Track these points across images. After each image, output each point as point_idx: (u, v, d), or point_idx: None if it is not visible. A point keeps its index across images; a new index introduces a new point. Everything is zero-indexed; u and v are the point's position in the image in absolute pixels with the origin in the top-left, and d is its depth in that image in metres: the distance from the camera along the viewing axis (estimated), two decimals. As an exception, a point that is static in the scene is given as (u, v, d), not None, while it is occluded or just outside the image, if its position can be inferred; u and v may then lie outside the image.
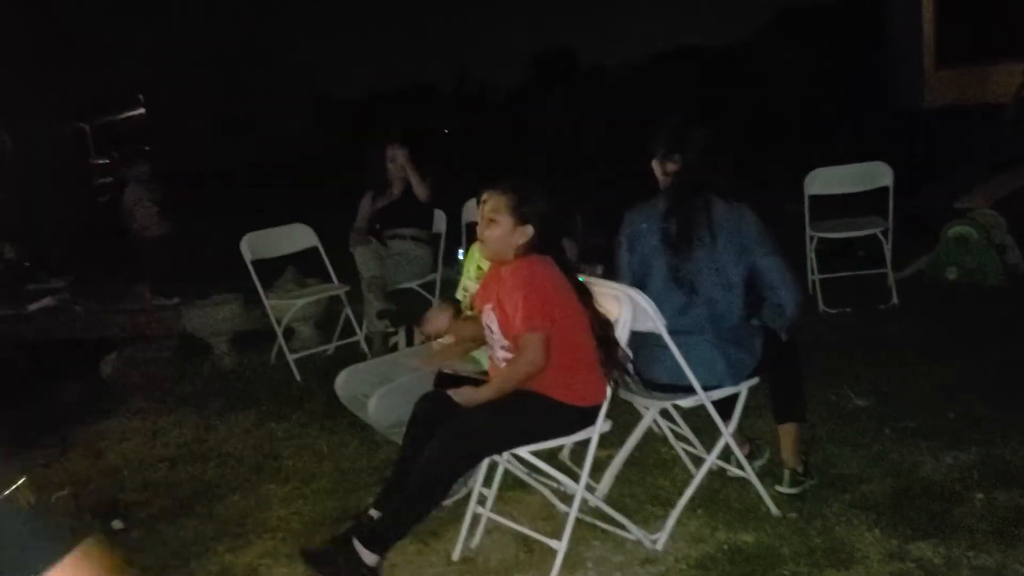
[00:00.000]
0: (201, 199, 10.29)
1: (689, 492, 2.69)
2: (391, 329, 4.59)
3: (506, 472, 2.75)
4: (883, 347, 4.13)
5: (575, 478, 2.58)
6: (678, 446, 3.06)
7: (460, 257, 4.50)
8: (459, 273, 3.39)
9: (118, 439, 3.93)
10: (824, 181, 4.94)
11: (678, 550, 2.58)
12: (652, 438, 3.18)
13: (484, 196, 2.53)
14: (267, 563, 2.72)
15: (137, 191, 7.05)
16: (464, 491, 2.84)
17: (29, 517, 1.01)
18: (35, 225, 8.39)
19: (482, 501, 2.69)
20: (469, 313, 3.04)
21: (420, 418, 2.56)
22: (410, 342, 4.40)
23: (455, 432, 2.36)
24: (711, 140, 2.74)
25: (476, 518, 2.68)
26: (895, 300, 4.82)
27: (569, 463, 3.04)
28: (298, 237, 4.83)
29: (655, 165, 2.84)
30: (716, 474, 2.94)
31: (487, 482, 2.70)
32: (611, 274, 2.90)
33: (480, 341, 2.74)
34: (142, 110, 15.12)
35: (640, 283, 2.73)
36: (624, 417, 2.99)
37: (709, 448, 2.81)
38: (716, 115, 2.90)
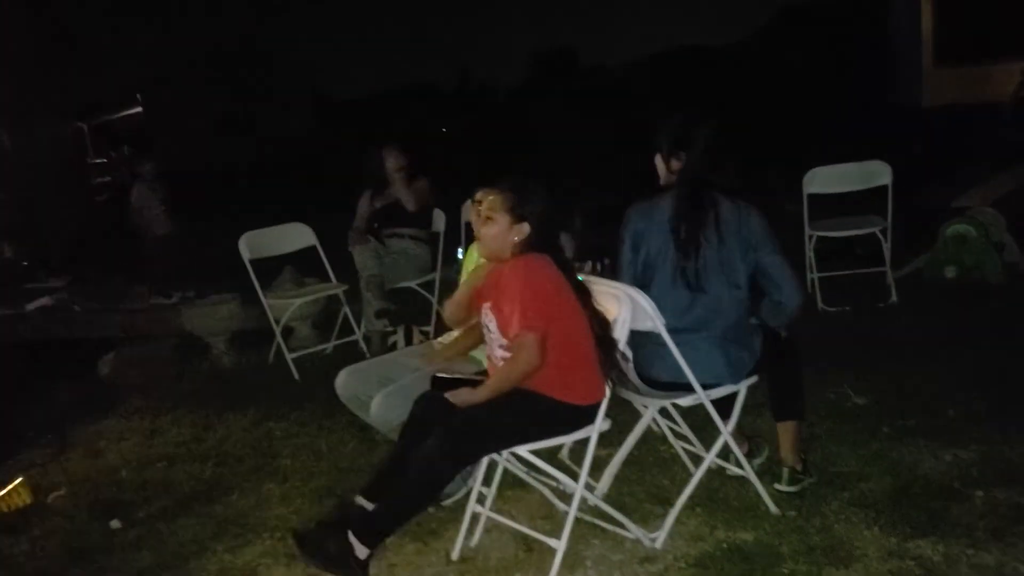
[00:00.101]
0: (200, 198, 10.28)
1: (688, 490, 2.69)
2: (390, 328, 4.59)
3: (505, 471, 2.75)
4: (882, 345, 4.13)
5: (574, 477, 2.58)
6: (677, 445, 3.06)
7: (459, 256, 4.50)
8: (458, 272, 3.38)
9: (116, 438, 3.92)
10: (823, 180, 4.94)
11: (677, 548, 2.58)
12: (651, 437, 3.18)
13: (479, 196, 2.53)
14: (266, 562, 2.72)
15: (144, 190, 7.07)
16: (463, 490, 2.84)
17: None
18: (33, 224, 8.38)
19: (481, 500, 2.69)
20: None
21: (418, 417, 2.56)
22: (409, 341, 4.41)
23: (454, 430, 2.35)
24: (716, 138, 2.74)
25: (475, 517, 2.68)
26: (894, 298, 4.82)
27: (568, 462, 3.04)
28: (296, 236, 4.83)
29: (658, 162, 2.84)
30: (715, 472, 2.94)
31: (486, 481, 2.70)
32: (612, 271, 2.90)
33: (480, 341, 2.74)
34: (139, 109, 15.10)
35: (644, 281, 2.73)
36: (623, 416, 2.99)
37: (708, 447, 2.81)
38: (716, 114, 2.89)
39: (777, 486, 2.80)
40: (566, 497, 2.70)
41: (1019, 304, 4.59)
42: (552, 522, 2.76)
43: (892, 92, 10.91)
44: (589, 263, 3.26)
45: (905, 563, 2.40)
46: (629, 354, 2.69)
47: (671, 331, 2.57)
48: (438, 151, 10.70)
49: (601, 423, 2.50)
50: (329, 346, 4.87)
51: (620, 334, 2.49)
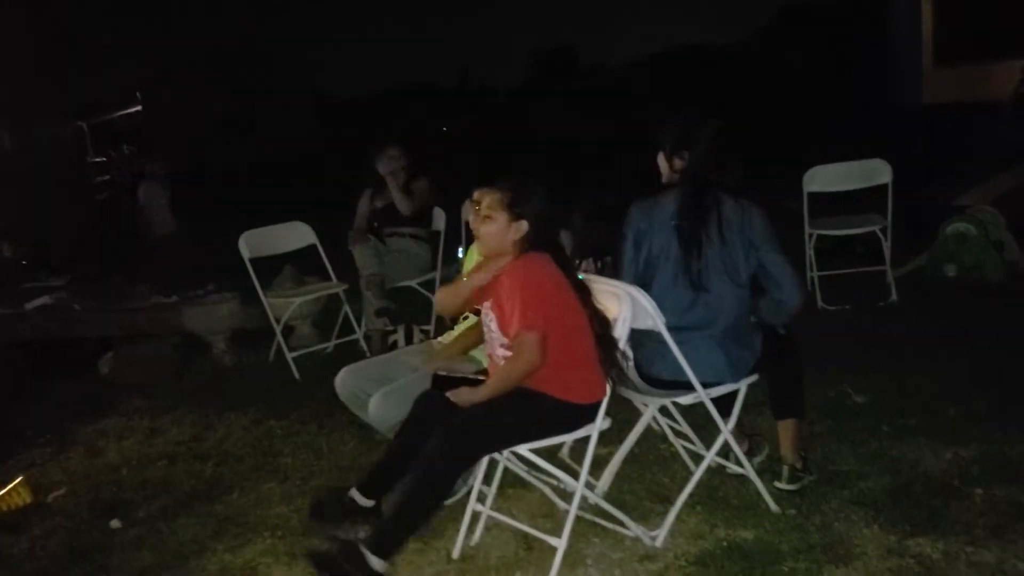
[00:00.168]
0: (200, 197, 10.28)
1: (688, 489, 2.69)
2: (390, 327, 4.59)
3: (506, 470, 2.75)
4: (882, 344, 4.14)
5: (575, 475, 2.58)
6: (677, 443, 3.06)
7: (460, 255, 4.50)
8: (459, 271, 3.38)
9: (116, 438, 3.92)
10: (823, 178, 4.94)
11: (677, 547, 2.58)
12: (651, 435, 3.18)
13: (476, 196, 2.53)
14: (267, 561, 2.72)
15: (151, 190, 7.09)
16: (464, 489, 2.84)
17: None
18: (33, 224, 8.37)
19: (482, 499, 2.69)
20: (469, 314, 3.04)
21: (418, 416, 2.56)
22: (409, 340, 4.40)
23: (454, 431, 2.35)
24: (719, 137, 2.73)
25: (476, 516, 2.68)
26: (894, 297, 4.82)
27: (569, 461, 3.04)
28: (297, 235, 4.83)
29: (661, 160, 2.84)
30: (715, 471, 2.94)
31: (487, 480, 2.70)
32: (614, 269, 2.90)
33: (480, 340, 2.74)
34: (139, 108, 15.10)
35: (645, 280, 2.73)
36: (623, 414, 2.99)
37: (708, 445, 2.81)
38: (717, 113, 2.89)
39: (777, 484, 2.80)
40: (567, 495, 2.70)
41: (1019, 303, 4.59)
42: (553, 520, 2.76)
43: (892, 91, 10.91)
44: (589, 261, 3.26)
45: (905, 561, 2.40)
46: (629, 353, 2.70)
47: (672, 329, 2.57)
48: (438, 150, 10.69)
49: (601, 422, 2.50)
50: (330, 345, 4.87)
51: (620, 333, 2.49)
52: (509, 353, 2.47)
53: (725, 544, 2.55)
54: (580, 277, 2.56)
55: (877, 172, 4.84)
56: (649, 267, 2.74)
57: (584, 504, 2.64)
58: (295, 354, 4.58)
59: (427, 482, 2.35)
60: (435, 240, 4.91)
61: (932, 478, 2.83)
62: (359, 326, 4.77)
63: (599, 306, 2.51)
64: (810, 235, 4.95)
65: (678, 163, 2.78)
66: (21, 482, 3.35)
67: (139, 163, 11.88)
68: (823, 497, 2.76)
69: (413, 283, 4.77)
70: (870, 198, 4.94)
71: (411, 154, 4.82)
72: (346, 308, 4.82)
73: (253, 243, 4.60)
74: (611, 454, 2.97)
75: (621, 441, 2.96)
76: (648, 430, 3.05)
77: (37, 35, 9.35)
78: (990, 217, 5.20)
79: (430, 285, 4.80)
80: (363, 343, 4.74)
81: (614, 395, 2.57)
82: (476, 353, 2.94)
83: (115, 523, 3.07)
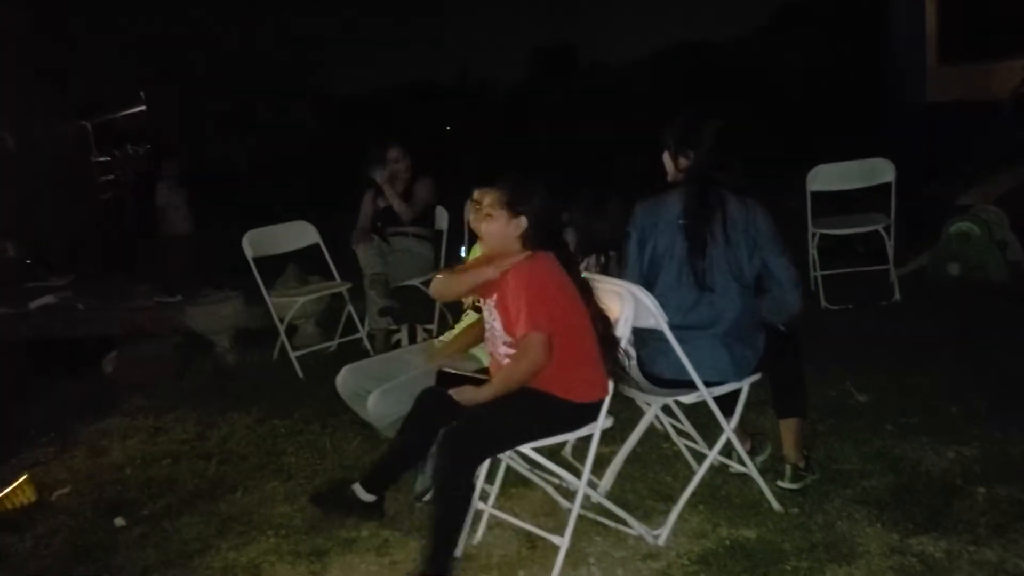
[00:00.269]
0: (202, 197, 10.28)
1: (691, 488, 2.70)
2: (394, 327, 4.59)
3: (508, 468, 2.75)
4: (884, 343, 4.14)
5: (577, 474, 2.58)
6: (680, 442, 3.06)
7: (463, 254, 4.50)
8: (461, 270, 3.38)
9: (120, 437, 3.93)
10: (826, 177, 4.94)
11: (680, 545, 2.59)
12: (654, 434, 3.19)
13: (476, 195, 2.54)
14: (270, 560, 2.72)
15: (168, 190, 7.13)
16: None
17: None
18: (36, 223, 8.39)
19: (484, 497, 2.70)
20: (471, 311, 3.04)
21: (420, 414, 2.57)
22: (412, 339, 4.42)
23: (458, 433, 2.36)
24: (724, 136, 2.74)
25: (479, 514, 2.68)
26: (897, 296, 4.82)
27: (571, 459, 3.05)
28: (300, 234, 4.84)
29: (666, 159, 2.84)
30: (718, 470, 2.95)
31: (489, 479, 2.71)
32: (617, 264, 2.90)
33: (481, 339, 2.74)
34: (143, 107, 15.10)
35: (650, 278, 2.73)
36: (626, 413, 3.00)
37: (711, 444, 2.82)
38: (718, 111, 2.90)
39: (780, 483, 2.80)
40: (569, 494, 2.71)
41: (1022, 302, 4.59)
42: (555, 519, 2.76)
43: (895, 89, 10.88)
44: (592, 258, 3.26)
45: (907, 559, 2.40)
46: (632, 352, 2.70)
47: (676, 328, 2.57)
48: (441, 150, 10.69)
49: (604, 420, 2.50)
50: (333, 344, 4.88)
51: (623, 332, 2.49)
52: (511, 351, 2.47)
53: (728, 543, 2.56)
54: (583, 276, 2.56)
55: (880, 171, 4.84)
56: (653, 266, 2.75)
57: (587, 503, 2.64)
58: (299, 353, 4.59)
59: (444, 492, 2.37)
60: (438, 239, 4.91)
61: (934, 477, 2.83)
62: (362, 325, 4.78)
63: (601, 305, 2.51)
64: (813, 234, 4.95)
65: (683, 162, 2.78)
66: (25, 481, 3.36)
67: (143, 163, 11.90)
68: (826, 496, 2.76)
69: (416, 282, 4.77)
70: (873, 197, 4.94)
71: (413, 154, 4.83)
72: (349, 307, 4.82)
73: (257, 242, 4.61)
74: (614, 453, 2.98)
75: (624, 440, 2.96)
76: (651, 429, 3.05)
77: (38, 34, 9.36)
78: (993, 216, 5.20)
79: (433, 284, 4.80)
80: (367, 342, 4.74)
81: (617, 394, 2.57)
82: (477, 351, 2.94)
83: (119, 521, 3.08)
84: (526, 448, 2.45)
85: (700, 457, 2.89)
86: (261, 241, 4.64)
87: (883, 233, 4.79)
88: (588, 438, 2.52)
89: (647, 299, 2.53)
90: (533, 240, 2.47)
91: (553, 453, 2.89)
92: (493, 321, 2.53)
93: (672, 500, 2.73)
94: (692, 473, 2.79)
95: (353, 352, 4.58)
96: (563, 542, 2.45)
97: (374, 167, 4.74)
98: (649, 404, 2.84)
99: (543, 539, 2.57)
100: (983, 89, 8.88)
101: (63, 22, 10.05)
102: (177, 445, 3.76)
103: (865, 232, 4.88)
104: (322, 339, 4.96)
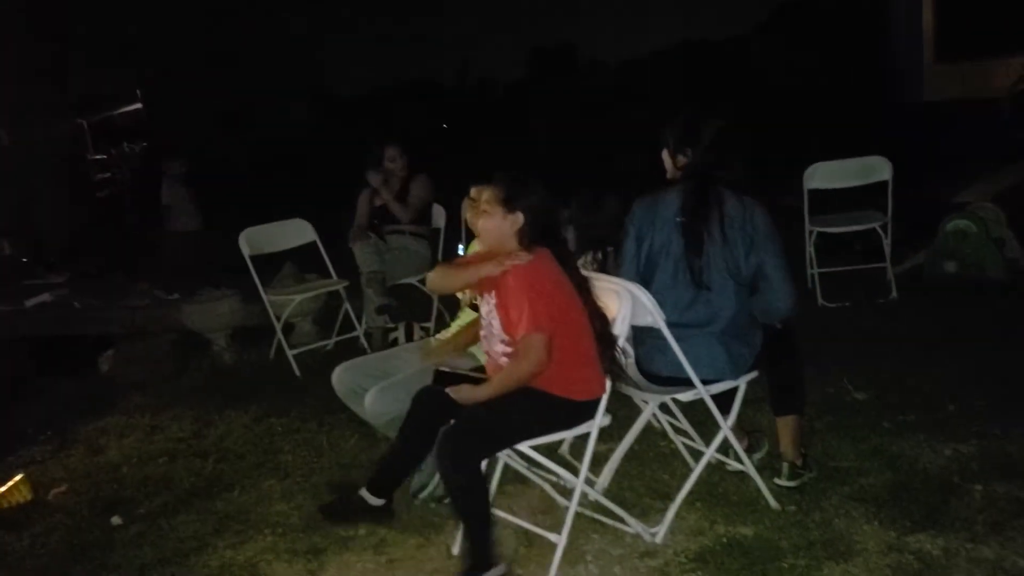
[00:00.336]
0: (201, 196, 10.26)
1: (688, 485, 2.70)
2: (391, 325, 4.59)
3: (506, 466, 2.75)
4: (882, 340, 4.14)
5: (574, 472, 2.59)
6: (677, 440, 3.06)
7: (460, 252, 4.49)
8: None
9: (117, 435, 3.92)
10: (823, 175, 4.94)
11: (677, 543, 2.59)
12: (651, 432, 3.19)
13: (474, 192, 2.55)
14: (267, 558, 2.72)
15: (174, 187, 7.12)
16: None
17: None
18: (33, 221, 8.38)
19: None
20: (468, 309, 3.04)
21: (418, 414, 2.56)
22: (410, 337, 4.41)
23: (456, 434, 2.36)
24: (723, 133, 2.74)
25: (476, 512, 2.67)
26: (894, 294, 4.82)
27: (569, 457, 3.05)
28: (297, 232, 4.83)
29: (665, 157, 2.84)
30: (715, 467, 2.95)
31: (487, 477, 2.70)
32: (615, 260, 2.90)
33: (478, 337, 2.74)
34: (139, 105, 15.07)
35: (646, 276, 2.73)
36: (623, 411, 3.00)
37: (708, 442, 2.81)
38: (716, 110, 2.90)
39: (777, 481, 2.81)
40: (566, 492, 2.71)
41: (1019, 300, 4.59)
42: (552, 517, 2.76)
43: (892, 87, 10.89)
44: (589, 255, 3.26)
45: (904, 557, 2.40)
46: (630, 350, 2.70)
47: (673, 326, 2.57)
48: (439, 149, 10.68)
49: (601, 418, 2.50)
50: (330, 342, 4.87)
51: (620, 330, 2.49)
52: (508, 349, 2.47)
53: (725, 540, 2.56)
54: (581, 274, 2.56)
55: (877, 169, 4.84)
56: (650, 263, 2.74)
57: (584, 501, 2.64)
58: (295, 351, 4.59)
59: (455, 492, 2.38)
60: (435, 237, 4.91)
61: (932, 475, 2.83)
62: (360, 323, 4.78)
63: (599, 303, 2.51)
64: (810, 232, 4.95)
65: (681, 160, 2.78)
66: (22, 479, 3.35)
67: (140, 160, 11.86)
68: (823, 493, 2.77)
69: (413, 280, 4.76)
70: (870, 195, 4.94)
71: (409, 153, 4.83)
72: (347, 305, 4.82)
73: (253, 240, 4.60)
74: (611, 451, 2.98)
75: (621, 438, 2.96)
76: (648, 427, 3.06)
77: (36, 33, 9.34)
78: (990, 214, 5.20)
79: (430, 282, 4.80)
80: (364, 340, 4.74)
81: (614, 392, 2.57)
82: (474, 349, 2.94)
83: (116, 520, 3.07)
84: (524, 446, 2.45)
85: (697, 455, 2.89)
86: (258, 239, 4.64)
87: (880, 231, 4.80)
88: (586, 436, 2.52)
89: (645, 297, 2.53)
90: (530, 236, 2.47)
91: (551, 451, 2.89)
92: (491, 319, 2.52)
93: (669, 498, 2.73)
94: (689, 471, 2.79)
95: (350, 350, 4.58)
96: (560, 540, 2.45)
97: (369, 170, 4.75)
98: (646, 402, 2.84)
99: (540, 537, 2.57)
100: (980, 87, 8.89)
101: (61, 21, 10.03)
102: (174, 443, 3.75)
103: (863, 230, 4.88)
104: (319, 337, 4.95)
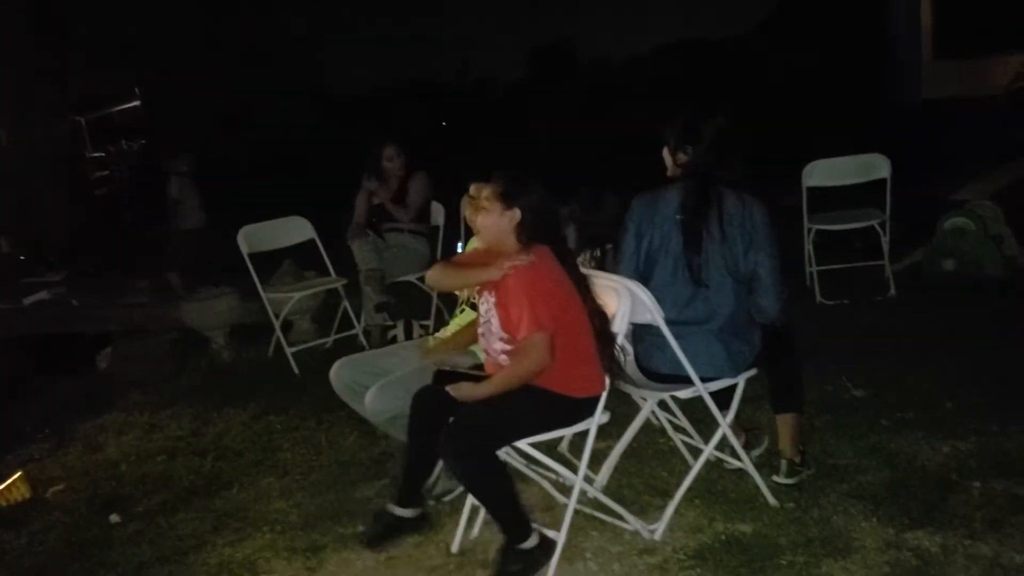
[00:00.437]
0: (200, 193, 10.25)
1: (687, 483, 2.70)
2: (389, 322, 4.59)
3: (504, 464, 2.75)
4: (880, 338, 4.14)
5: (573, 469, 2.59)
6: (676, 437, 3.06)
7: (459, 250, 4.49)
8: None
9: (115, 433, 3.92)
10: (822, 173, 4.94)
11: (676, 540, 2.59)
12: (650, 429, 3.19)
13: (473, 190, 2.55)
14: (266, 556, 2.72)
15: (181, 184, 7.13)
16: (461, 486, 2.84)
17: None
18: (31, 219, 8.37)
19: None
20: (466, 308, 3.04)
21: (421, 420, 2.56)
22: (408, 335, 4.41)
23: (456, 431, 2.36)
24: (724, 132, 2.74)
25: (475, 510, 2.68)
26: (892, 291, 4.82)
27: (568, 455, 3.05)
28: (295, 230, 4.82)
29: (666, 155, 2.84)
30: (714, 465, 2.95)
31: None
32: (614, 257, 2.89)
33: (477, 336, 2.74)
34: (138, 103, 15.07)
35: (645, 273, 2.73)
36: (622, 409, 2.99)
37: (707, 439, 2.82)
38: (716, 108, 2.91)
39: (775, 478, 2.81)
40: (565, 489, 2.71)
41: (1017, 297, 4.60)
42: (551, 514, 2.76)
43: (891, 85, 10.90)
44: (588, 253, 3.26)
45: (903, 554, 2.41)
46: (629, 348, 2.70)
47: (671, 324, 2.57)
48: (438, 148, 10.68)
49: (600, 416, 2.50)
50: (329, 340, 4.87)
51: (619, 328, 2.49)
52: (507, 347, 2.47)
53: (724, 538, 2.56)
54: (581, 272, 2.56)
55: (875, 166, 4.84)
56: (649, 261, 2.75)
57: (583, 498, 2.64)
58: (294, 349, 4.58)
59: (470, 485, 2.41)
60: (434, 235, 4.91)
61: (930, 472, 2.83)
62: (358, 321, 4.77)
63: (599, 301, 2.51)
64: (809, 229, 4.95)
65: (681, 158, 2.78)
66: (20, 477, 3.35)
67: (139, 158, 11.85)
68: (821, 491, 2.77)
69: (412, 278, 4.76)
70: (869, 193, 4.94)
71: (407, 152, 4.83)
72: (345, 303, 4.81)
73: (252, 238, 4.59)
74: (610, 448, 2.98)
75: (620, 435, 2.96)
76: (647, 424, 3.06)
77: (35, 31, 9.33)
78: (989, 212, 5.20)
79: (428, 280, 4.80)
80: (362, 338, 4.74)
81: (613, 389, 2.57)
82: (473, 347, 2.93)
83: (114, 518, 3.07)
84: (523, 443, 2.45)
85: (696, 452, 2.89)
86: (257, 237, 4.63)
87: (878, 229, 4.80)
88: (585, 433, 2.52)
89: (644, 295, 2.53)
90: (528, 234, 2.47)
91: (550, 448, 2.89)
92: (490, 317, 2.52)
93: (668, 495, 2.73)
94: (688, 468, 2.79)
95: (349, 348, 4.57)
96: (559, 537, 2.46)
97: (365, 175, 4.76)
98: (645, 399, 2.84)
99: (539, 534, 2.57)
100: (978, 85, 8.89)
101: (61, 21, 10.02)
102: (172, 441, 3.75)
103: (861, 227, 4.88)
104: (318, 335, 4.95)
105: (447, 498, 2.89)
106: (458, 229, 4.67)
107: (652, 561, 2.51)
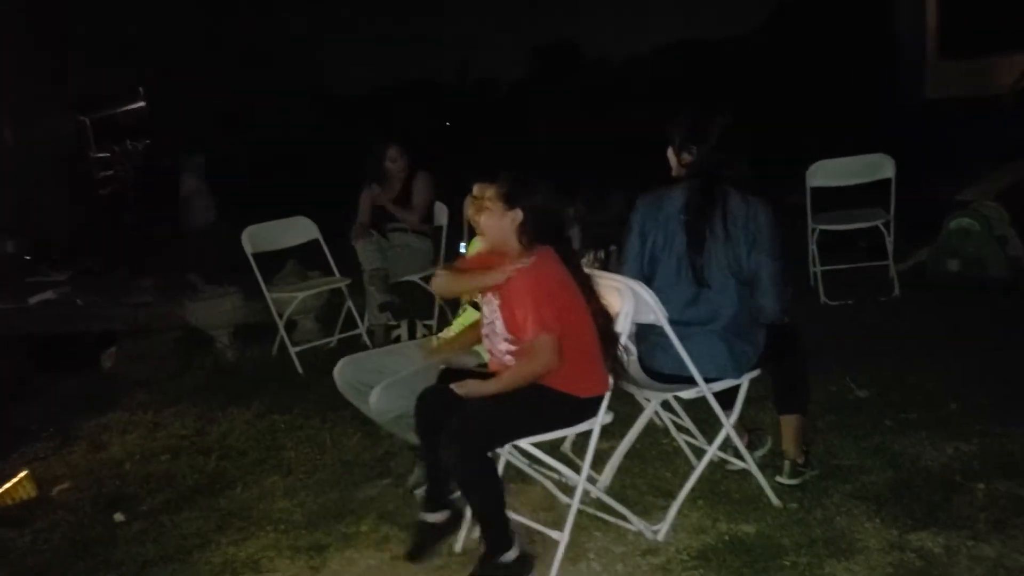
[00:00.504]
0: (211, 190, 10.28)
1: (690, 483, 2.70)
2: (393, 322, 4.59)
3: (508, 464, 2.74)
4: (884, 338, 4.14)
5: (577, 470, 2.59)
6: (679, 437, 3.06)
7: (462, 250, 4.50)
8: (460, 265, 3.38)
9: (120, 432, 3.93)
10: (826, 173, 4.93)
11: (679, 541, 2.59)
12: (653, 429, 3.19)
13: (476, 190, 2.55)
14: (269, 555, 2.73)
15: (193, 182, 7.16)
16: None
17: None
18: (35, 219, 8.39)
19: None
20: (469, 307, 3.04)
21: (424, 415, 2.56)
22: (412, 335, 4.41)
23: (459, 429, 2.36)
24: (729, 131, 2.73)
25: (478, 509, 2.68)
26: (896, 292, 4.82)
27: (571, 455, 3.05)
28: (300, 230, 4.83)
29: (670, 154, 2.84)
30: (717, 465, 2.95)
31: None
32: (618, 258, 2.89)
33: (480, 337, 2.74)
34: (142, 103, 15.09)
35: (649, 272, 2.73)
36: (625, 409, 3.00)
37: (710, 440, 2.82)
38: (719, 107, 2.91)
39: (779, 479, 2.81)
40: (568, 489, 2.71)
41: (1021, 298, 4.58)
42: (554, 514, 2.76)
43: (896, 84, 10.86)
44: (592, 253, 3.26)
45: (906, 555, 2.40)
46: (632, 348, 2.70)
47: (675, 324, 2.57)
48: (440, 148, 10.68)
49: (604, 416, 2.50)
50: (333, 340, 4.87)
51: (623, 328, 2.49)
52: (512, 347, 2.47)
53: (727, 538, 2.56)
54: (585, 272, 2.56)
55: (880, 166, 4.83)
56: (652, 260, 2.75)
57: (586, 498, 2.64)
58: (298, 349, 4.59)
59: (464, 485, 2.39)
60: (437, 235, 4.91)
61: (934, 473, 2.83)
62: (362, 321, 4.78)
63: (603, 301, 2.51)
64: (813, 230, 4.94)
65: (686, 157, 2.78)
66: (25, 476, 3.36)
67: (144, 158, 11.86)
68: (825, 491, 2.76)
69: (416, 278, 4.77)
70: (873, 193, 4.93)
71: (410, 152, 4.83)
72: (349, 303, 4.82)
73: (256, 238, 4.60)
74: (613, 448, 2.97)
75: (623, 435, 2.96)
76: (650, 424, 3.06)
77: (36, 33, 9.35)
78: (993, 212, 5.19)
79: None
80: (366, 338, 4.74)
81: (616, 389, 2.57)
82: (477, 347, 2.94)
83: (118, 517, 3.08)
84: (525, 443, 2.45)
85: (699, 453, 2.89)
86: (261, 237, 4.64)
87: (883, 229, 4.79)
88: (588, 434, 2.52)
89: (647, 295, 2.53)
90: (530, 235, 2.47)
91: (552, 448, 2.89)
92: (494, 318, 2.53)
93: (672, 495, 2.73)
94: (691, 469, 2.79)
95: (352, 348, 4.57)
96: (563, 537, 2.46)
97: (367, 181, 4.75)
98: (649, 400, 2.84)
99: (542, 534, 2.57)
100: (984, 84, 8.86)
101: (62, 21, 10.04)
102: (176, 440, 3.76)
103: (865, 228, 4.87)
104: (321, 335, 4.95)
105: (419, 491, 2.87)
106: (461, 229, 4.68)
107: (655, 561, 2.51)
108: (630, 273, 2.70)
